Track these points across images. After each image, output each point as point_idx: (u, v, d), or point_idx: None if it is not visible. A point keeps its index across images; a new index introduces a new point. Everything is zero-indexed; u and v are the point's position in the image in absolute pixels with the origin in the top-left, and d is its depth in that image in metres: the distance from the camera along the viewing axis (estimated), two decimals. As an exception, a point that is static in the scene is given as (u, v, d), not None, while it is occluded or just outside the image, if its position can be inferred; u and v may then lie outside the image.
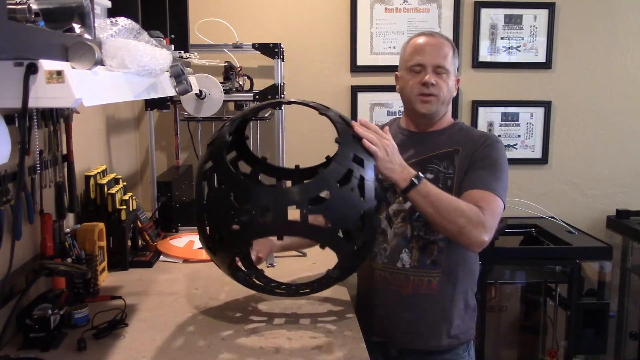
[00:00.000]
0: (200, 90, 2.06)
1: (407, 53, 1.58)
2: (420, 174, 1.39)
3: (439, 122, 1.60)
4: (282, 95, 2.38)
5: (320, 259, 1.82)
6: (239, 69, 2.37)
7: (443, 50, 1.53)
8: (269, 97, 2.29)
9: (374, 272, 1.60)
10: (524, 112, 2.82)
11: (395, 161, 1.37)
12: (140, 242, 2.01)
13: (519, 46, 2.78)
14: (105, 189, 1.77)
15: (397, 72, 1.63)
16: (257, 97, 2.30)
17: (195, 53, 1.88)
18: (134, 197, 1.90)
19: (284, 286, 1.46)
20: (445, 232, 1.42)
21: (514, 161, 2.82)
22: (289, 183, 1.75)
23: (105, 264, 1.72)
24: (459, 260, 1.55)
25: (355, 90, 2.73)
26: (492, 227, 1.40)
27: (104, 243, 1.71)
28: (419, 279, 1.54)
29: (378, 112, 2.73)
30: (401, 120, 1.67)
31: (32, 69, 0.74)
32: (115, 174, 1.93)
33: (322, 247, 1.35)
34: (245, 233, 1.30)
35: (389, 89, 2.37)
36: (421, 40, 1.56)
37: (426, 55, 1.53)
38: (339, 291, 1.64)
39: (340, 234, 1.33)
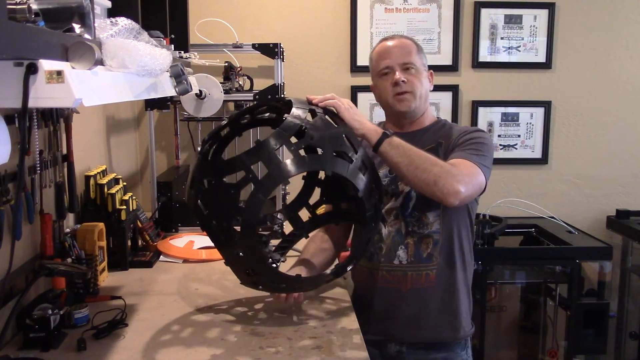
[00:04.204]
0: (200, 90, 2.06)
1: (374, 61, 1.63)
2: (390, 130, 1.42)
3: (421, 120, 1.62)
4: (283, 95, 2.38)
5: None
6: (239, 69, 2.37)
7: (405, 49, 1.58)
8: (269, 97, 2.29)
9: (371, 272, 1.60)
10: (524, 112, 2.83)
11: (359, 114, 1.42)
12: (140, 242, 2.01)
13: (519, 46, 2.78)
14: (105, 189, 1.77)
15: (371, 84, 1.67)
16: (257, 97, 2.30)
17: (195, 53, 1.89)
18: (134, 197, 1.90)
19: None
20: (420, 183, 1.36)
21: (514, 161, 2.84)
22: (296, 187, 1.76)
23: (105, 264, 1.72)
24: (454, 251, 1.55)
25: (355, 90, 2.73)
26: (466, 182, 1.36)
27: (104, 243, 1.71)
28: (417, 273, 1.54)
29: (378, 112, 2.73)
30: (385, 124, 1.69)
31: (32, 69, 0.74)
32: (115, 174, 1.92)
33: (328, 173, 1.34)
34: (255, 201, 1.24)
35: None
36: (383, 45, 1.62)
37: (391, 57, 1.58)
38: (339, 291, 1.64)
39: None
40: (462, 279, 1.58)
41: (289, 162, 1.25)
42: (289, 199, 1.65)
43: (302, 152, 1.35)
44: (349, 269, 1.46)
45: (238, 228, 1.27)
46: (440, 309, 1.56)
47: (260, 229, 1.48)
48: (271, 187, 1.29)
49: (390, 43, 1.60)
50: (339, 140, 1.31)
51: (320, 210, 1.70)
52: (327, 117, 1.36)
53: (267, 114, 1.55)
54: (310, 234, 1.67)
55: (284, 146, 1.26)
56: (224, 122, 1.53)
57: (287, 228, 1.71)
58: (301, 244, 1.70)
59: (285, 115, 1.31)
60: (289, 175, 1.28)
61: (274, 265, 1.49)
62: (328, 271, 1.46)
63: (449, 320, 1.57)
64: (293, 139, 1.27)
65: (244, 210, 1.26)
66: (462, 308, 1.58)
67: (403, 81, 1.55)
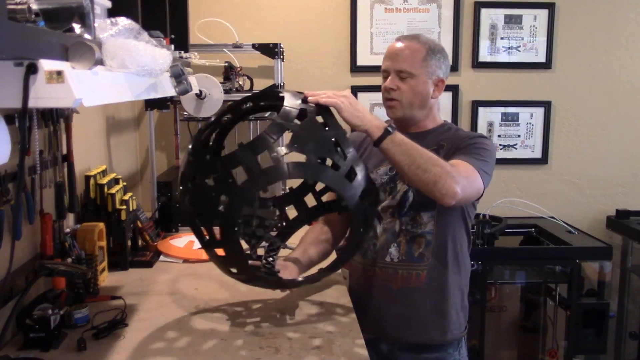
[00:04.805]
0: (200, 90, 2.06)
1: (383, 59, 1.60)
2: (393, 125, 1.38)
3: (423, 123, 1.60)
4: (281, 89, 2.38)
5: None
6: (239, 69, 2.37)
7: (408, 54, 1.53)
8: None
9: (364, 268, 1.61)
10: (524, 112, 2.83)
11: (362, 110, 1.36)
12: (140, 242, 2.01)
13: (519, 46, 2.78)
14: (105, 189, 1.77)
15: None
16: (257, 97, 2.29)
17: (195, 53, 1.88)
18: (134, 197, 1.90)
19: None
20: (420, 182, 1.36)
21: (514, 161, 2.84)
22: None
23: (105, 264, 1.72)
24: (447, 253, 1.55)
25: (355, 90, 2.73)
26: (464, 183, 1.36)
27: (104, 243, 1.71)
28: (407, 272, 1.55)
29: (378, 112, 2.73)
30: (391, 122, 1.68)
31: (32, 69, 0.74)
32: (115, 174, 1.92)
33: (310, 181, 1.32)
34: (233, 206, 1.24)
35: (389, 89, 2.38)
36: (392, 45, 1.58)
37: (391, 61, 1.55)
38: (339, 291, 1.64)
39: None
40: (456, 282, 1.57)
41: (268, 170, 1.22)
42: (296, 183, 1.61)
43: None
44: (338, 269, 1.45)
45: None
46: (429, 311, 1.55)
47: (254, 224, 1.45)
48: (250, 193, 1.26)
49: (398, 45, 1.56)
50: (326, 146, 1.27)
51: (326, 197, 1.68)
52: (319, 117, 1.31)
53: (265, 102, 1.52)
54: (313, 222, 1.65)
55: (266, 151, 1.22)
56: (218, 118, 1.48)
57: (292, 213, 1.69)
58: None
59: (274, 114, 1.27)
60: (268, 184, 1.26)
61: (268, 263, 1.48)
62: (301, 278, 1.43)
63: (437, 322, 1.56)
64: (278, 144, 1.24)
65: (222, 214, 1.25)
66: (453, 311, 1.57)
67: (392, 89, 1.53)
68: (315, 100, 1.33)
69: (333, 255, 1.69)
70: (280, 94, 1.33)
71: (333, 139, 1.29)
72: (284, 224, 1.63)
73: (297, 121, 1.27)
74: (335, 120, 1.33)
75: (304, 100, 1.32)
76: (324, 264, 1.54)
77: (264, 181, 1.25)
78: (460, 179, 1.36)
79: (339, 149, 1.29)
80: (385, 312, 1.57)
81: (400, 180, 1.56)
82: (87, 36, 0.89)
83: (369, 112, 1.39)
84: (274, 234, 1.60)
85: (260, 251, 1.52)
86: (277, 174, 1.24)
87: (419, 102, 1.55)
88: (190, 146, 1.38)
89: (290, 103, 1.29)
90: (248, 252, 1.45)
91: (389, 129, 1.36)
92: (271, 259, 1.49)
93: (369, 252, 1.59)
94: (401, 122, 1.60)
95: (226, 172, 1.23)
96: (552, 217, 2.66)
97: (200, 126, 1.39)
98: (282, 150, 1.23)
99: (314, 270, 1.52)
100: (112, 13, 1.12)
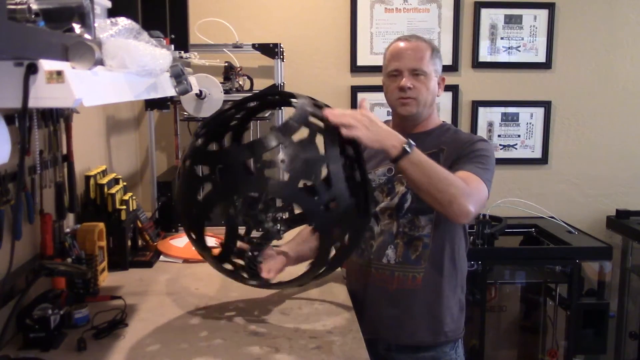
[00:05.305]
0: (200, 90, 2.06)
1: (386, 60, 1.60)
2: (411, 141, 1.33)
3: (424, 123, 1.61)
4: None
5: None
6: (239, 69, 2.37)
7: (418, 53, 1.54)
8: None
9: (360, 269, 1.61)
10: (524, 112, 2.83)
11: (379, 132, 1.31)
12: (140, 242, 2.01)
13: (519, 46, 2.78)
14: (105, 189, 1.77)
15: (382, 79, 1.64)
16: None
17: (195, 53, 1.88)
18: (134, 197, 1.90)
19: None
20: (435, 201, 1.36)
21: (514, 161, 2.84)
22: None
23: (105, 264, 1.72)
24: (444, 256, 1.55)
25: (355, 90, 2.73)
26: (476, 200, 1.37)
27: (104, 243, 1.71)
28: (404, 274, 1.55)
29: (378, 112, 2.73)
30: (390, 123, 1.68)
31: (32, 69, 0.74)
32: (115, 174, 1.92)
33: (284, 202, 1.31)
34: (209, 199, 1.26)
35: (389, 89, 2.37)
36: (397, 45, 1.58)
37: (402, 60, 1.55)
38: (339, 291, 1.64)
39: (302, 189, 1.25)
40: (452, 284, 1.58)
41: (250, 179, 1.23)
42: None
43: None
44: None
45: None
46: (424, 313, 1.56)
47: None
48: (225, 194, 1.27)
49: (404, 45, 1.56)
50: (312, 171, 1.21)
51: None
52: (324, 135, 1.25)
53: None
54: None
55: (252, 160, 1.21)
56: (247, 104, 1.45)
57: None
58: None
59: (272, 126, 1.28)
60: (246, 191, 1.26)
61: (257, 253, 1.47)
62: (266, 279, 1.42)
63: (431, 324, 1.56)
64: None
65: (198, 204, 1.27)
66: (448, 313, 1.57)
67: (409, 87, 1.53)
68: (334, 121, 1.25)
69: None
70: (296, 102, 1.28)
71: (324, 165, 1.23)
72: (286, 217, 1.63)
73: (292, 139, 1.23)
74: (336, 147, 1.25)
75: (318, 116, 1.26)
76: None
77: (242, 188, 1.26)
78: (473, 197, 1.37)
79: (328, 175, 1.23)
80: (381, 313, 1.58)
81: (398, 181, 1.56)
82: (87, 36, 0.89)
83: (386, 129, 1.33)
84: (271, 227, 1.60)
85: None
86: (256, 186, 1.24)
87: (430, 100, 1.58)
88: (200, 125, 1.36)
89: (296, 119, 1.23)
90: (242, 235, 1.45)
91: (407, 147, 1.31)
92: (257, 252, 1.47)
93: (366, 253, 1.60)
94: (405, 123, 1.60)
95: (214, 166, 1.23)
96: (552, 217, 2.66)
97: (219, 110, 1.39)
98: (270, 163, 1.23)
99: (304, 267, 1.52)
100: (112, 13, 1.12)
